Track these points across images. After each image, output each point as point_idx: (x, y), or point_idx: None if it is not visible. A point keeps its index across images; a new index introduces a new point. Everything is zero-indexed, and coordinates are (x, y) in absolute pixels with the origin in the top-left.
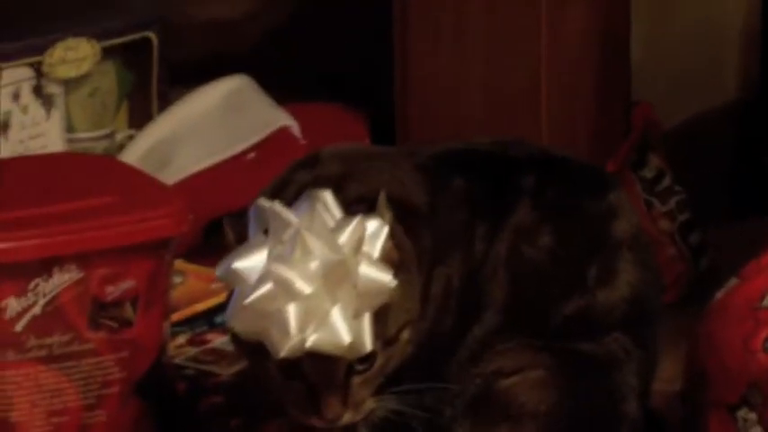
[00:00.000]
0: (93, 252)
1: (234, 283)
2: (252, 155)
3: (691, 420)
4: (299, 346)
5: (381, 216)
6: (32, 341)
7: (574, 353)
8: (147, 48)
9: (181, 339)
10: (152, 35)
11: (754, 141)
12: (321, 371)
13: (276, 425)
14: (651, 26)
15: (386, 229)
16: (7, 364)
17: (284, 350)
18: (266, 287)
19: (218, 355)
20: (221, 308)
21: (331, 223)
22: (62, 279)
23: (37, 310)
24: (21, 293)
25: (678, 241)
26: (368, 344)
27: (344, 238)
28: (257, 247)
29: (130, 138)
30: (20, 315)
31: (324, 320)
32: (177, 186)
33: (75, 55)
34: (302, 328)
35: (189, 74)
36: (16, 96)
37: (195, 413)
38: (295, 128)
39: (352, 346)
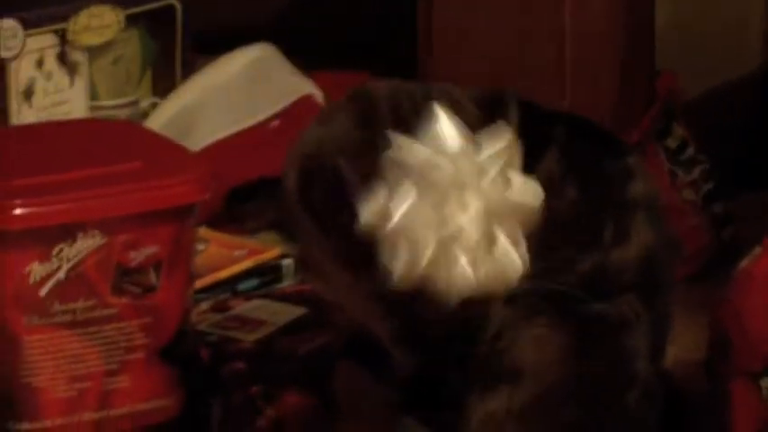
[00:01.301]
0: (116, 218)
1: (398, 242)
2: (275, 123)
3: (714, 389)
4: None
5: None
6: (56, 306)
7: (579, 312)
8: (171, 15)
9: (203, 306)
10: (176, 3)
11: None
12: None
13: (296, 392)
14: None
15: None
16: (32, 328)
17: (458, 294)
18: (432, 248)
19: (240, 321)
20: (244, 275)
21: (455, 143)
22: (86, 244)
23: (61, 275)
24: (45, 259)
25: (702, 211)
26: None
27: (488, 164)
28: (406, 199)
29: (154, 105)
30: (44, 280)
31: (489, 256)
32: (200, 154)
33: (99, 22)
34: (473, 269)
35: (213, 42)
36: (40, 63)
37: (217, 379)
38: (318, 96)
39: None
